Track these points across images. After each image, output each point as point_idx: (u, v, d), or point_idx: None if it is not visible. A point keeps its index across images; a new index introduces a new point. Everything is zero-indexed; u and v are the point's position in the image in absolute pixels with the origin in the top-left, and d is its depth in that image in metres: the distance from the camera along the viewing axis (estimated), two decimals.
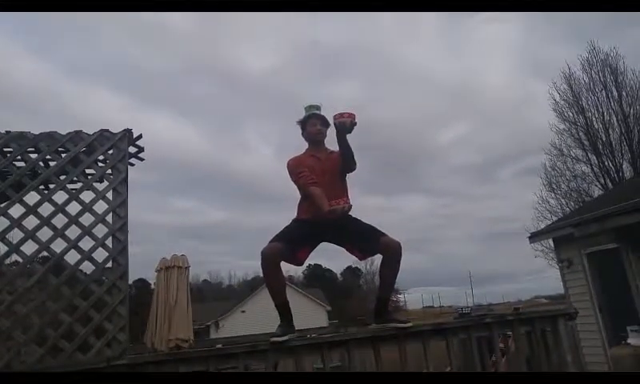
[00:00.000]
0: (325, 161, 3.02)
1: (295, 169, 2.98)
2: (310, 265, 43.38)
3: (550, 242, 10.11)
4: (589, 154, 16.19)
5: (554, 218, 14.71)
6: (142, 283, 30.49)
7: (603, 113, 15.98)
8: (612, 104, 15.90)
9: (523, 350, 3.28)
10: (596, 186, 15.99)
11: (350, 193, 3.05)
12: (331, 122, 2.82)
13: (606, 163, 15.84)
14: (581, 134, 16.33)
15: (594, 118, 16.17)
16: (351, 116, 2.61)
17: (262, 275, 2.80)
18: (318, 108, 3.08)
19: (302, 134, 3.12)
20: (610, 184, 15.26)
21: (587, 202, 13.49)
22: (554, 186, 16.96)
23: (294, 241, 2.81)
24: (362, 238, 2.91)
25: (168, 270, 6.39)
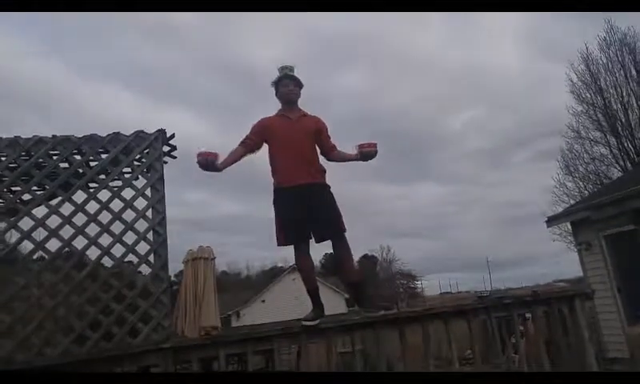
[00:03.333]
0: (296, 122, 3.11)
1: (252, 127, 3.13)
2: (326, 253, 43.67)
3: (568, 225, 10.12)
4: (607, 136, 15.90)
5: (572, 202, 14.60)
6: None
7: (622, 93, 15.63)
8: (631, 84, 15.55)
9: (542, 330, 3.43)
10: (615, 167, 15.74)
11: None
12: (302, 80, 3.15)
13: (626, 145, 15.54)
14: (599, 115, 16.03)
15: (612, 99, 15.84)
16: (374, 145, 2.96)
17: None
18: (291, 69, 3.19)
19: (276, 94, 3.21)
20: (629, 166, 15.03)
21: (606, 185, 13.35)
22: (572, 169, 16.75)
23: (294, 221, 2.91)
24: (323, 222, 2.96)
25: (195, 262, 6.65)
